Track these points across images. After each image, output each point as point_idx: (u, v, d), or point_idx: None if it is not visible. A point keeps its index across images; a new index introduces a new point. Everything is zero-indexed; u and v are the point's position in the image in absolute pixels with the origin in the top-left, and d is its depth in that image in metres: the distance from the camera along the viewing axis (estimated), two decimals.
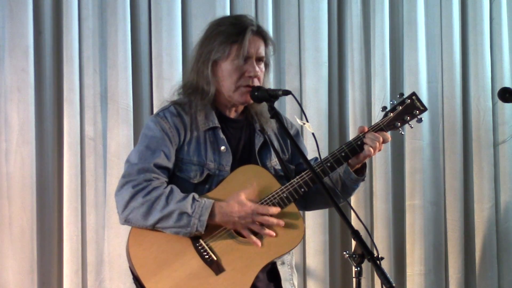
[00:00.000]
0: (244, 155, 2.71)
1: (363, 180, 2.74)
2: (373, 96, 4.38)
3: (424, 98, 4.43)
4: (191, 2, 4.06)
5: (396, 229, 4.43)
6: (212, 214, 2.53)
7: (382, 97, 4.33)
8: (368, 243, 2.25)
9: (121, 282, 3.79)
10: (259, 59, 2.66)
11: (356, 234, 2.23)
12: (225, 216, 2.54)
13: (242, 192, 2.57)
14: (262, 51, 2.67)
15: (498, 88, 3.73)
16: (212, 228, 2.57)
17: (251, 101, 2.65)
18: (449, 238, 4.50)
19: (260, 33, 2.68)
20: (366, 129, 2.67)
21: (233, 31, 2.64)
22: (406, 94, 2.73)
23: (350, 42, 4.37)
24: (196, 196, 2.55)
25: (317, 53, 4.28)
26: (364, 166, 2.73)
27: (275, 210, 2.57)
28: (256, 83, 2.65)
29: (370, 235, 4.15)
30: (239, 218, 2.54)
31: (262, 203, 2.58)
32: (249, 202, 2.55)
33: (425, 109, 2.72)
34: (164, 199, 2.52)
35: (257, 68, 2.64)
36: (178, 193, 2.55)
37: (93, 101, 3.86)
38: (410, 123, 2.72)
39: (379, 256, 2.19)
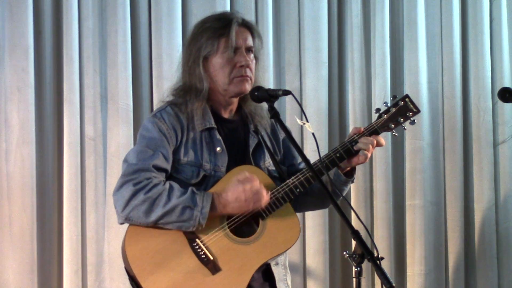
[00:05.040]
0: (239, 156, 2.72)
1: (352, 181, 2.76)
2: (373, 96, 4.38)
3: (424, 98, 4.44)
4: (192, 2, 4.06)
5: (396, 229, 4.43)
6: (212, 205, 2.54)
7: (382, 97, 4.32)
8: (368, 243, 2.26)
9: (121, 282, 3.79)
10: (248, 50, 2.68)
11: (356, 234, 2.23)
12: (225, 202, 2.55)
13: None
14: (250, 41, 2.68)
15: (498, 88, 3.72)
16: (209, 228, 2.58)
17: (247, 91, 2.66)
18: (449, 238, 4.50)
19: (246, 25, 2.70)
20: (362, 130, 2.68)
21: (219, 25, 2.65)
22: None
23: (350, 42, 4.37)
24: (195, 189, 2.57)
25: (317, 53, 4.28)
26: (353, 168, 2.74)
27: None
28: (249, 73, 2.66)
29: (370, 235, 4.15)
30: (237, 200, 2.54)
31: None
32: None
33: (418, 111, 2.75)
34: (165, 195, 2.53)
35: (247, 58, 2.66)
36: (178, 189, 2.56)
37: (93, 101, 3.86)
38: (403, 125, 2.74)
39: (379, 256, 2.19)
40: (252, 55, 2.69)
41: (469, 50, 4.58)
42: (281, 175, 2.72)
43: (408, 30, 4.46)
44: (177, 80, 2.76)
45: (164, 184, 2.57)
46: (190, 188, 2.56)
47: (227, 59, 2.64)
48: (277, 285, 2.71)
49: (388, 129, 2.72)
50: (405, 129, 2.77)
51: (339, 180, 2.72)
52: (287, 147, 2.84)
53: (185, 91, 2.69)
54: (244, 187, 2.53)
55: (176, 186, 2.57)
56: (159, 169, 2.59)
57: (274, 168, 2.75)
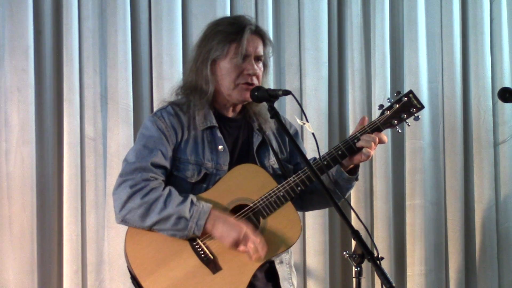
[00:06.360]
0: (242, 154, 2.72)
1: (356, 179, 2.74)
2: (373, 96, 4.38)
3: (424, 97, 4.43)
4: (192, 2, 4.06)
5: (396, 229, 4.43)
6: (208, 220, 2.53)
7: (382, 97, 4.32)
8: (368, 243, 2.25)
9: (121, 282, 3.79)
10: (257, 58, 2.68)
11: (356, 234, 2.23)
12: (218, 226, 2.54)
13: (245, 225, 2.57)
14: (260, 50, 2.68)
15: (498, 88, 3.73)
16: None
17: (250, 99, 2.66)
18: (449, 238, 4.50)
19: (259, 33, 2.69)
20: (367, 120, 2.67)
21: (231, 30, 2.65)
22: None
23: (350, 42, 4.37)
24: (195, 199, 2.56)
25: (317, 53, 4.28)
26: (357, 165, 2.73)
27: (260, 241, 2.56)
28: (255, 81, 2.66)
29: (370, 235, 4.15)
30: (228, 233, 2.53)
31: (259, 202, 2.60)
32: (246, 227, 2.54)
33: (422, 107, 2.72)
34: (162, 202, 2.53)
35: (255, 67, 2.65)
36: (176, 196, 2.55)
37: (93, 101, 3.86)
38: (407, 121, 2.72)
39: (379, 256, 2.19)
40: (261, 64, 2.70)
41: (469, 50, 4.58)
42: (285, 174, 2.71)
43: (408, 30, 4.46)
44: (183, 77, 2.77)
45: (164, 189, 2.57)
46: (190, 198, 2.56)
47: (235, 65, 2.64)
48: (281, 283, 2.70)
49: (391, 125, 2.70)
50: (408, 125, 2.74)
51: (342, 178, 2.71)
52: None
53: (190, 90, 2.69)
54: (246, 232, 2.52)
55: (175, 193, 2.56)
56: (158, 166, 2.59)
57: (278, 167, 2.75)
